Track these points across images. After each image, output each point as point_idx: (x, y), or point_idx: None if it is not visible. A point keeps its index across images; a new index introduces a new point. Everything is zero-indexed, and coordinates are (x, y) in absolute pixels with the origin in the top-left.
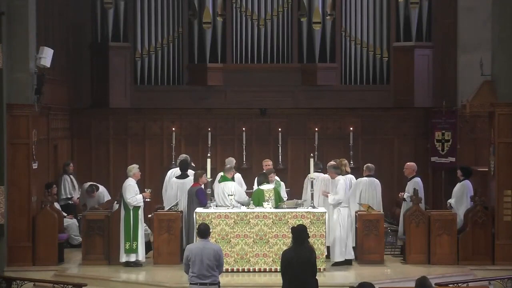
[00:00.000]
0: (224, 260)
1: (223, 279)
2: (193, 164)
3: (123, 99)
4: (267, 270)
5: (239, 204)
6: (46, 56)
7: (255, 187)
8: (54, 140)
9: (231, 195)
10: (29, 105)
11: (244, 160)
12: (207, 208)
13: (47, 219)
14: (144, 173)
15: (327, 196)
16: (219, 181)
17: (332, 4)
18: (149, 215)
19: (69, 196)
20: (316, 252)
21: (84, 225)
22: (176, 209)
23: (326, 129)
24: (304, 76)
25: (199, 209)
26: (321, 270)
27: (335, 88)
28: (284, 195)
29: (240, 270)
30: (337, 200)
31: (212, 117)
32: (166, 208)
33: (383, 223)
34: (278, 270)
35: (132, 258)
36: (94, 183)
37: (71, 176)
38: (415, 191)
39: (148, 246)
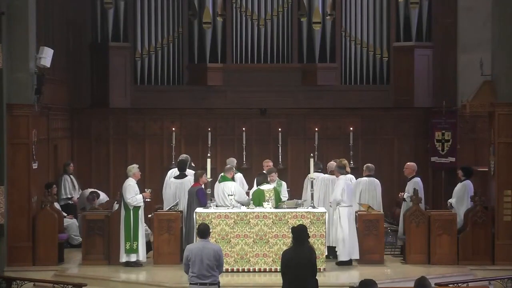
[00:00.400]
0: (224, 260)
1: (223, 279)
2: (193, 164)
3: (123, 99)
4: (267, 270)
5: (239, 204)
6: (46, 56)
7: (255, 187)
8: (54, 140)
9: (231, 195)
10: (29, 105)
11: (244, 160)
12: (207, 208)
13: (47, 219)
14: (144, 173)
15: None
16: (219, 181)
17: (332, 4)
18: (149, 215)
19: (69, 196)
20: (316, 252)
21: (84, 225)
22: (176, 209)
23: (326, 129)
24: (304, 76)
25: (199, 209)
26: (321, 270)
27: (335, 88)
28: (285, 194)
29: (240, 270)
30: (333, 200)
31: (212, 117)
32: (166, 208)
33: (383, 223)
34: (278, 270)
35: (133, 258)
36: (95, 190)
37: (71, 176)
38: (415, 191)
39: (148, 246)
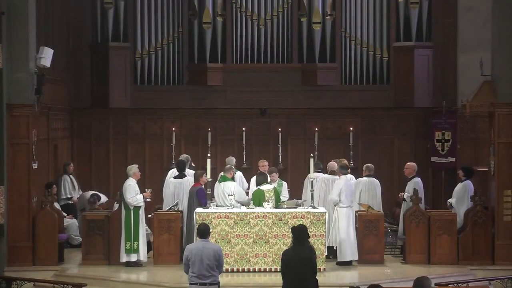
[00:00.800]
0: (224, 260)
1: (223, 279)
2: (193, 164)
3: (123, 99)
4: (267, 270)
5: (239, 204)
6: (46, 56)
7: (252, 186)
8: (54, 140)
9: (231, 195)
10: (29, 105)
11: (244, 160)
12: (207, 208)
13: (47, 219)
14: (144, 173)
15: None
16: (219, 181)
17: (332, 4)
18: (149, 215)
19: (69, 196)
20: (316, 252)
21: (84, 225)
22: (176, 209)
23: (326, 129)
24: (304, 76)
25: (199, 209)
26: (321, 270)
27: (335, 88)
28: (285, 194)
29: (240, 270)
30: (330, 200)
31: (212, 117)
32: (166, 208)
33: (383, 223)
34: (278, 270)
35: (133, 258)
36: (96, 193)
37: (71, 176)
38: (415, 191)
39: (148, 246)
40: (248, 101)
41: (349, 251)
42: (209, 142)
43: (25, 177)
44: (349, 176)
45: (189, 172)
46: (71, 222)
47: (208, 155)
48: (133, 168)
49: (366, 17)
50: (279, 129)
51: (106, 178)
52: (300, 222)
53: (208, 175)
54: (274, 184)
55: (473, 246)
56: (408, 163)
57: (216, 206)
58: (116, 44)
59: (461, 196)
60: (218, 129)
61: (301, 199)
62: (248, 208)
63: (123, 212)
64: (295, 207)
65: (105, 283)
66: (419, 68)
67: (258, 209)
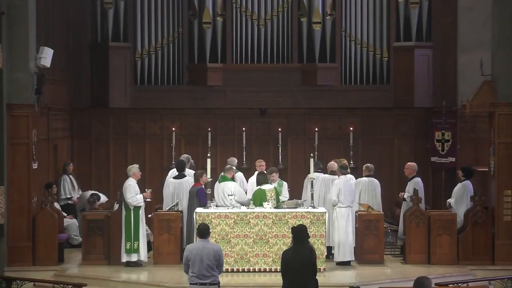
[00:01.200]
0: (224, 260)
1: (223, 279)
2: (193, 164)
3: (123, 99)
4: (267, 270)
5: (239, 204)
6: (46, 56)
7: (251, 186)
8: (54, 140)
9: (231, 195)
10: (29, 105)
11: (244, 160)
12: (207, 208)
13: (47, 219)
14: (144, 173)
15: None
16: (219, 181)
17: (332, 4)
18: (149, 215)
19: (68, 196)
20: (316, 252)
21: (84, 225)
22: (176, 209)
23: (326, 129)
24: (304, 76)
25: (199, 209)
26: (321, 270)
27: (335, 88)
28: (286, 195)
29: (240, 270)
30: (329, 200)
31: (212, 117)
32: (166, 208)
33: (383, 223)
34: (278, 270)
35: (133, 258)
36: (96, 193)
37: (71, 176)
38: (415, 191)
39: (148, 246)
40: (248, 101)
41: (348, 252)
42: (209, 142)
43: (25, 177)
44: (349, 176)
45: (189, 172)
46: (71, 222)
47: (208, 155)
48: (133, 168)
49: (366, 17)
50: (279, 129)
51: (106, 178)
52: (300, 222)
53: (208, 175)
54: (275, 184)
55: (473, 246)
56: (408, 163)
57: (216, 206)
58: (116, 44)
59: (460, 196)
60: (218, 129)
61: (301, 199)
62: (248, 208)
63: (123, 212)
64: (295, 207)
65: (105, 283)
66: (419, 68)
67: (258, 209)
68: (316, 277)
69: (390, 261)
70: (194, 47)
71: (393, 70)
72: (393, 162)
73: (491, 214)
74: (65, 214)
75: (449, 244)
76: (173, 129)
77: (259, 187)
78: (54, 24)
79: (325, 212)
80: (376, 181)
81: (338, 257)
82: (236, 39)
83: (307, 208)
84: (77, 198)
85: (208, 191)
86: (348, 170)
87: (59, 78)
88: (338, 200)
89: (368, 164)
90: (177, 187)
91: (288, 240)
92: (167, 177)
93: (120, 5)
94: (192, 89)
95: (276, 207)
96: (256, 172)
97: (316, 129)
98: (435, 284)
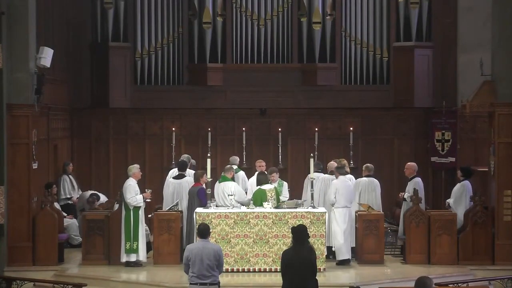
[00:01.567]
0: (224, 260)
1: (223, 279)
2: (194, 164)
3: (123, 99)
4: (267, 270)
5: (239, 204)
6: (46, 56)
7: (251, 186)
8: (54, 140)
9: (231, 195)
10: (29, 105)
11: (244, 160)
12: (207, 208)
13: (47, 219)
14: (144, 173)
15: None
16: (219, 181)
17: (332, 4)
18: (149, 215)
19: (68, 196)
20: (316, 252)
21: (84, 225)
22: (176, 209)
23: (326, 129)
24: (304, 76)
25: (199, 209)
26: (321, 270)
27: (335, 88)
28: (286, 195)
29: (240, 270)
30: (327, 200)
31: (212, 117)
32: (166, 208)
33: (383, 223)
34: (278, 270)
35: (133, 258)
36: (95, 192)
37: (70, 176)
38: (415, 191)
39: (148, 246)
40: (248, 101)
41: (344, 250)
42: (209, 142)
43: (25, 177)
44: (349, 176)
45: (189, 172)
46: (71, 222)
47: (208, 155)
48: (133, 169)
49: (366, 17)
50: (279, 129)
51: (106, 178)
52: (300, 222)
53: (208, 175)
54: (275, 184)
55: (473, 246)
56: (409, 163)
57: (216, 206)
58: (116, 44)
59: (459, 196)
60: (218, 129)
61: (301, 199)
62: (248, 208)
63: (123, 212)
64: (295, 207)
65: (105, 283)
66: (419, 68)
67: (258, 209)
68: (316, 277)
69: (390, 261)
70: (194, 47)
71: (393, 70)
72: (393, 162)
73: (491, 214)
74: (65, 214)
75: (449, 244)
76: (173, 129)
77: (259, 187)
78: (54, 24)
79: (325, 212)
80: (376, 181)
81: (336, 256)
82: (236, 39)
83: (307, 208)
84: (77, 198)
85: (208, 191)
86: (347, 169)
87: (59, 78)
88: (335, 200)
89: (368, 164)
90: (176, 187)
91: (288, 240)
92: (167, 177)
93: (120, 5)
94: (192, 89)
95: (276, 207)
96: (257, 172)
97: (316, 129)
98: (435, 284)
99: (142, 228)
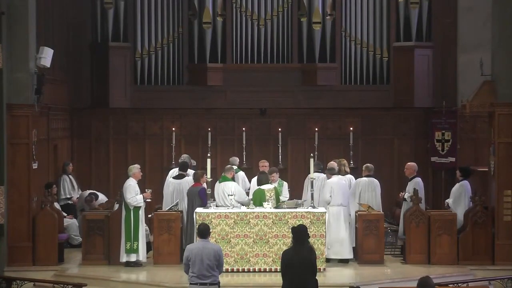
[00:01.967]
0: (224, 260)
1: (223, 279)
2: (193, 164)
3: (123, 99)
4: (267, 270)
5: (239, 204)
6: (46, 56)
7: (253, 186)
8: (54, 140)
9: (231, 195)
10: (29, 105)
11: (244, 160)
12: (207, 208)
13: (47, 219)
14: (144, 173)
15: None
16: (219, 181)
17: (332, 4)
18: (149, 215)
19: (68, 196)
20: (316, 252)
21: (84, 225)
22: (176, 209)
23: (326, 129)
24: (304, 76)
25: (199, 209)
26: (321, 270)
27: (335, 88)
28: (286, 195)
29: (240, 270)
30: (321, 200)
31: (212, 117)
32: (165, 208)
33: (383, 223)
34: (278, 270)
35: (133, 258)
36: (94, 192)
37: (70, 176)
38: (415, 191)
39: (148, 246)
40: (248, 101)
41: (346, 250)
42: (209, 142)
43: (25, 177)
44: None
45: (189, 172)
46: (71, 222)
47: (208, 155)
48: (134, 169)
49: (366, 17)
50: (279, 129)
51: (106, 178)
52: (300, 222)
53: (208, 175)
54: (275, 184)
55: (473, 246)
56: (409, 163)
57: (216, 206)
58: (116, 44)
59: (458, 196)
60: (218, 129)
61: (301, 199)
62: (248, 208)
63: (123, 212)
64: (295, 207)
65: (105, 283)
66: (419, 68)
67: (258, 209)
68: (316, 277)
69: (390, 261)
70: (194, 47)
71: (393, 70)
72: (393, 162)
73: (491, 214)
74: (65, 214)
75: (449, 244)
76: (173, 129)
77: (259, 187)
78: (54, 24)
79: (325, 212)
80: (376, 181)
81: (331, 254)
82: (236, 39)
83: (307, 208)
84: (77, 198)
85: (208, 191)
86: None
87: (59, 78)
88: (330, 199)
89: (368, 164)
90: (176, 187)
91: (288, 240)
92: (167, 177)
93: (120, 5)
94: (192, 89)
95: (276, 207)
96: (259, 173)
97: (316, 129)
98: (435, 284)
99: (142, 228)
